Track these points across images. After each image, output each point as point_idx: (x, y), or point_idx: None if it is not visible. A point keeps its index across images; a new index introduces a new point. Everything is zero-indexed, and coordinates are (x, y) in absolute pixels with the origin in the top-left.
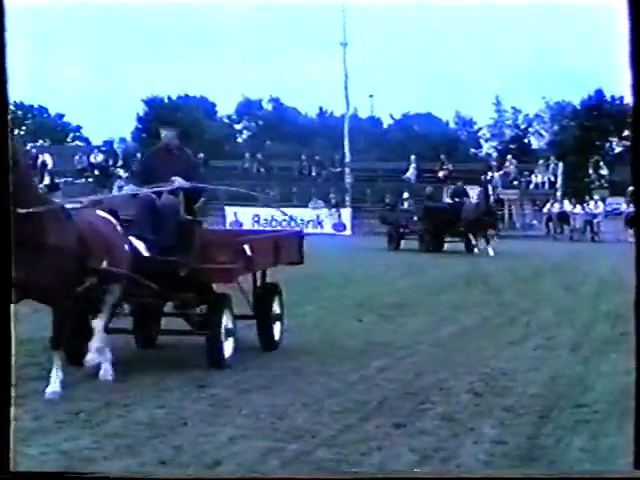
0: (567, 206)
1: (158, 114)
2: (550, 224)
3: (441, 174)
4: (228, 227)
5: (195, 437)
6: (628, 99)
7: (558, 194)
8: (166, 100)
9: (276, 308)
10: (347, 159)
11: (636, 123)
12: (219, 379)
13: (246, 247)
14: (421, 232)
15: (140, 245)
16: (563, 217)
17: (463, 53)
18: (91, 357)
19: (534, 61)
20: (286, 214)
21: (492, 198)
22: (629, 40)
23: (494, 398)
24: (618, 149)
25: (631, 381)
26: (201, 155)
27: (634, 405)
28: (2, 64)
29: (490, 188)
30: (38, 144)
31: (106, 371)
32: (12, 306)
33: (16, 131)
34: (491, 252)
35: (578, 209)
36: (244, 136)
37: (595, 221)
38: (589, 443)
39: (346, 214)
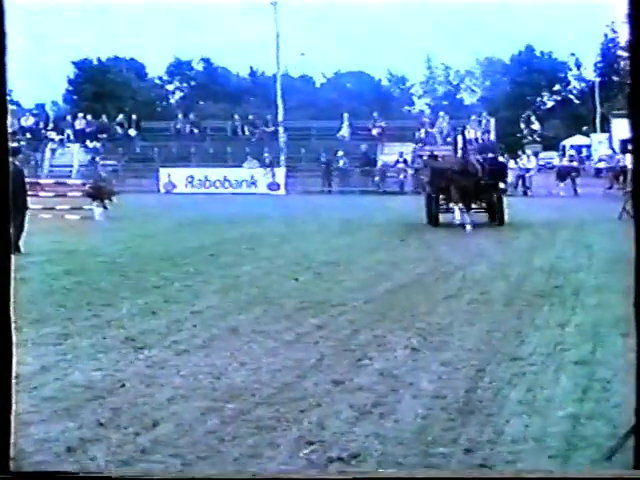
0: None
1: (88, 76)
2: None
3: (375, 131)
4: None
5: (133, 399)
6: (557, 54)
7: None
8: (96, 62)
9: None
10: (280, 118)
11: (635, 118)
12: (156, 340)
13: None
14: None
15: None
16: None
17: (392, 11)
18: None
19: (463, 18)
20: None
21: (471, 155)
22: (629, 40)
23: (431, 353)
24: (550, 104)
25: (564, 333)
26: (134, 117)
27: (635, 405)
28: (2, 64)
29: (464, 139)
30: None
31: None
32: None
33: None
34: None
35: (511, 164)
36: (176, 97)
37: (527, 175)
38: (526, 395)
39: (280, 173)
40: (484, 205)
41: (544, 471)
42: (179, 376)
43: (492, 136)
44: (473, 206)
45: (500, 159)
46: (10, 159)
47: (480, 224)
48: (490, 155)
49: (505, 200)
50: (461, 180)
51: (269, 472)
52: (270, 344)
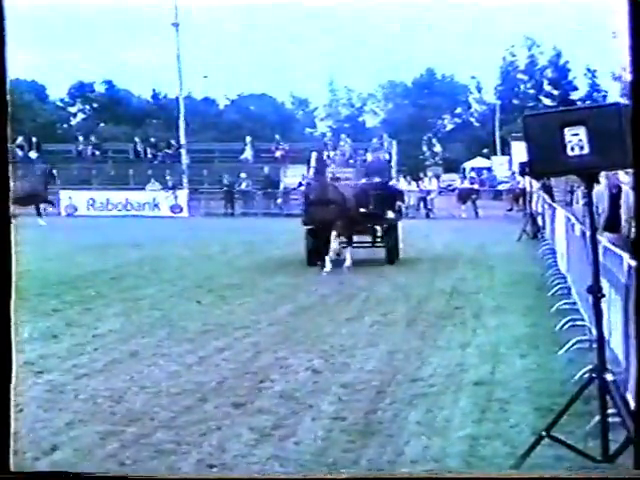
0: (402, 184)
1: None
2: None
3: (278, 154)
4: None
5: (32, 423)
6: (458, 77)
7: (393, 172)
8: None
9: None
10: (182, 140)
11: (635, 127)
12: (55, 364)
13: None
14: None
15: None
16: None
17: (295, 33)
18: None
19: (366, 40)
20: None
21: (328, 178)
22: (629, 40)
23: (332, 375)
24: (451, 126)
25: (466, 354)
26: (34, 139)
27: (635, 406)
28: (2, 63)
29: (318, 159)
30: None
31: None
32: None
33: None
34: (347, 262)
35: (413, 186)
36: (78, 119)
37: (429, 198)
38: (425, 416)
39: (183, 196)
40: (378, 237)
41: (544, 472)
42: (78, 400)
43: (394, 159)
44: (354, 239)
45: (393, 183)
46: None
47: (366, 260)
48: (377, 179)
49: (404, 224)
50: (319, 210)
51: (267, 473)
52: (172, 367)
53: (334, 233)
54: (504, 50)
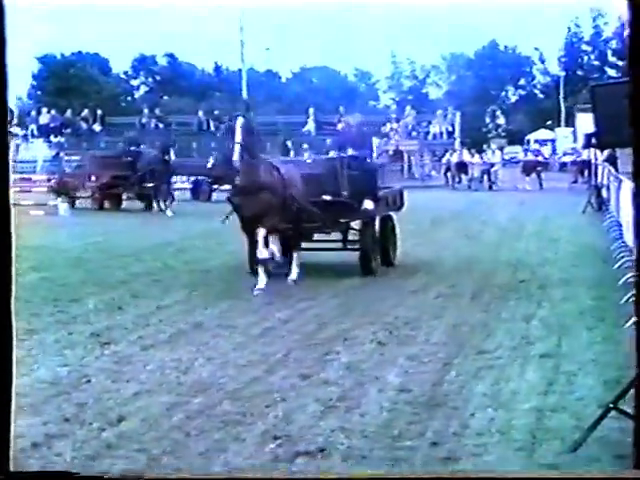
0: (465, 156)
1: (52, 71)
2: (449, 174)
3: (340, 126)
4: None
5: (99, 394)
6: (521, 49)
7: (456, 144)
8: (59, 57)
9: None
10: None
11: (635, 115)
12: (122, 335)
13: None
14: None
15: None
16: (461, 167)
17: (357, 5)
18: None
19: (428, 12)
20: None
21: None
22: (629, 39)
23: (398, 347)
24: (514, 98)
25: (530, 327)
26: (99, 112)
27: (634, 405)
28: (2, 63)
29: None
30: None
31: None
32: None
33: None
34: (292, 274)
35: (476, 158)
36: (141, 92)
37: (492, 170)
38: (491, 388)
39: None
40: (355, 237)
41: (545, 471)
42: (145, 371)
43: (457, 131)
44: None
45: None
46: None
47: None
48: (352, 153)
49: (473, 194)
50: (244, 201)
51: (273, 474)
52: (237, 338)
53: (262, 232)
54: (568, 21)
